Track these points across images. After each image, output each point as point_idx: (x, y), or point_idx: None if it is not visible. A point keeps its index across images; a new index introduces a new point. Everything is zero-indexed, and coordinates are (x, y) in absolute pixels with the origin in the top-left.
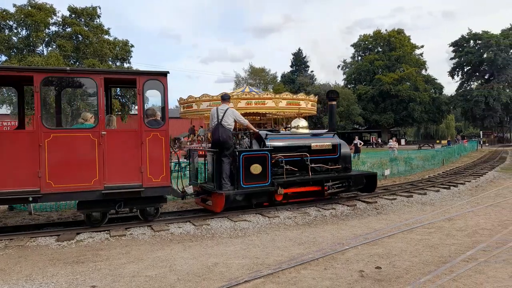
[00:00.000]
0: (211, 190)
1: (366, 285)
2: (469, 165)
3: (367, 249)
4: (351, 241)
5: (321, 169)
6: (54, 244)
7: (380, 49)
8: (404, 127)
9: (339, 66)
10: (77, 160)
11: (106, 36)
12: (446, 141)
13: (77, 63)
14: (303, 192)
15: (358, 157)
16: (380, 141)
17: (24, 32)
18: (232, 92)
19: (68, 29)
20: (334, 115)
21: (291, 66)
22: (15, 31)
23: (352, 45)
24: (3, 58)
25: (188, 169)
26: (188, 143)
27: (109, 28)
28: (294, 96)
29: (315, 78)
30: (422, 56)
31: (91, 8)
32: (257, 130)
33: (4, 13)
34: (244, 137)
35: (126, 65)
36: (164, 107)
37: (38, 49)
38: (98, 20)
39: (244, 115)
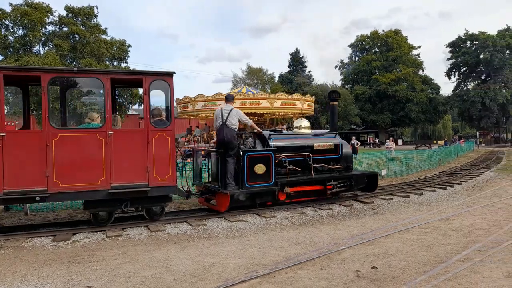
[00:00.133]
0: (215, 190)
1: (362, 285)
2: (465, 165)
3: (364, 249)
4: (347, 241)
5: (323, 168)
6: (50, 245)
7: (377, 50)
8: (401, 127)
9: (336, 67)
10: (84, 159)
11: (103, 36)
12: (443, 142)
13: (74, 62)
14: (305, 192)
15: (355, 158)
16: (377, 141)
17: (20, 32)
18: (229, 92)
19: (65, 29)
20: (335, 115)
21: (289, 66)
22: (11, 30)
23: (349, 46)
24: None
25: (184, 169)
26: (185, 143)
27: (106, 28)
28: (289, 96)
29: (313, 78)
30: (419, 57)
31: (88, 8)
32: (261, 130)
33: (0, 12)
34: (248, 137)
35: (123, 65)
36: (170, 107)
37: (34, 48)
38: (95, 20)
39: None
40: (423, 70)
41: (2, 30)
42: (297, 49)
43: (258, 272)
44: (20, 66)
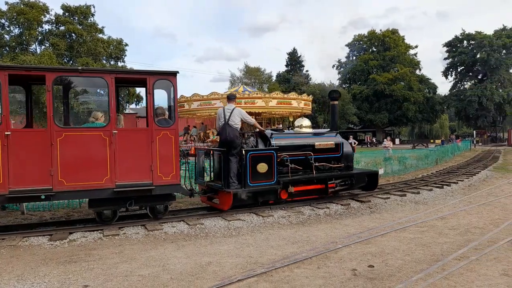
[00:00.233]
0: (218, 189)
1: (358, 284)
2: (462, 165)
3: (360, 248)
4: (344, 240)
5: (324, 167)
6: (46, 244)
7: (375, 49)
8: (398, 126)
9: (334, 66)
10: (89, 158)
11: (100, 35)
12: (440, 141)
13: (71, 61)
14: (308, 191)
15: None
16: (374, 140)
17: (16, 30)
18: (226, 92)
19: (62, 28)
20: (336, 115)
21: (286, 66)
22: (7, 29)
23: (346, 45)
24: None
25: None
26: (183, 143)
27: (103, 27)
28: (285, 96)
29: (310, 78)
30: (416, 56)
31: (84, 7)
32: (263, 129)
33: None
34: (250, 136)
35: (120, 64)
36: (173, 106)
37: (31, 47)
38: (92, 19)
39: None
40: (420, 70)
41: None
42: (294, 49)
43: (255, 271)
44: (25, 66)
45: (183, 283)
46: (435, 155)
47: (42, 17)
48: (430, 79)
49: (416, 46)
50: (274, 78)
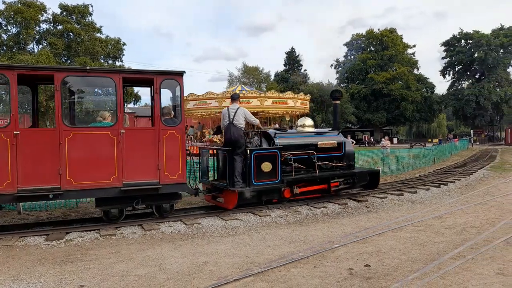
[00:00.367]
0: (223, 188)
1: (355, 283)
2: (459, 164)
3: (357, 247)
4: (341, 240)
5: (326, 166)
6: (43, 244)
7: (373, 49)
8: (396, 126)
9: (332, 65)
10: (97, 157)
11: (98, 34)
12: (437, 140)
13: (68, 61)
14: (311, 190)
15: None
16: (372, 140)
17: (14, 30)
18: (223, 92)
19: (59, 27)
20: (338, 114)
21: (285, 65)
22: (5, 28)
23: (345, 44)
24: None
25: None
26: None
27: (101, 26)
28: (281, 95)
29: (308, 77)
30: (414, 56)
31: (82, 6)
32: (265, 129)
33: None
34: (254, 135)
35: (118, 63)
36: (180, 106)
37: (28, 46)
38: (89, 18)
39: None
40: (418, 69)
41: None
42: (292, 48)
43: (252, 271)
44: (33, 65)
45: (179, 283)
46: (432, 154)
47: (40, 16)
48: (428, 78)
49: (414, 46)
50: (272, 77)
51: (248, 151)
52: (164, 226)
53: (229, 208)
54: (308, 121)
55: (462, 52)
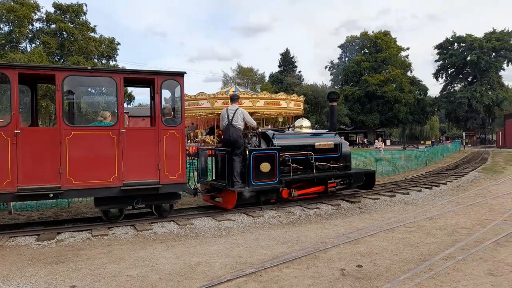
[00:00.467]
0: (222, 188)
1: (347, 283)
2: (451, 166)
3: (350, 248)
4: (334, 240)
5: (323, 167)
6: (34, 244)
7: (367, 51)
8: (389, 127)
9: (326, 67)
10: (97, 157)
11: (92, 34)
12: (430, 142)
13: (62, 60)
14: (309, 193)
15: None
16: (366, 141)
17: (6, 28)
18: (217, 93)
19: (53, 26)
20: (335, 115)
21: (279, 66)
22: None
23: (339, 46)
24: None
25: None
26: None
27: (95, 26)
28: (273, 96)
29: (303, 79)
30: (407, 58)
31: (76, 5)
32: (264, 130)
33: None
34: (253, 136)
35: (112, 63)
36: (180, 106)
37: (21, 45)
38: (83, 17)
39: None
40: (411, 72)
41: None
42: (287, 49)
43: (245, 271)
44: (35, 65)
45: (171, 283)
46: (425, 156)
47: (33, 14)
48: (421, 81)
49: (408, 48)
50: (267, 78)
51: (247, 151)
52: (157, 227)
53: (228, 208)
54: (306, 122)
55: (455, 55)
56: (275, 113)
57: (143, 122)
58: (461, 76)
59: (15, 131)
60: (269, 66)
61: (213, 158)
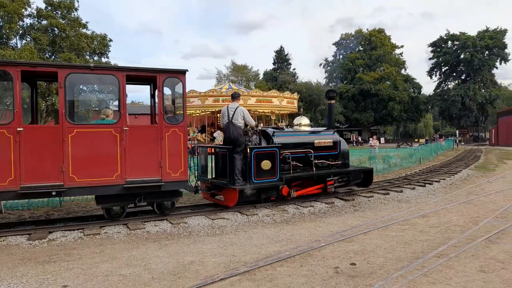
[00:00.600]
0: (223, 186)
1: (340, 281)
2: (444, 163)
3: (343, 246)
4: (327, 238)
5: (322, 164)
6: (25, 243)
7: (362, 48)
8: (383, 125)
9: (321, 65)
10: (100, 155)
11: (84, 30)
12: (424, 140)
13: (53, 56)
14: (308, 187)
15: None
16: (360, 139)
17: None
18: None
19: (44, 22)
20: (333, 113)
21: (274, 64)
22: None
23: (334, 44)
24: None
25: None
26: None
27: (87, 22)
28: (265, 93)
29: (297, 76)
30: (402, 56)
31: (68, 1)
32: (264, 128)
33: None
34: (253, 134)
35: (104, 59)
36: (182, 104)
37: (11, 41)
38: (75, 13)
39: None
40: (405, 69)
41: None
42: (281, 47)
43: (238, 270)
44: (37, 62)
45: (164, 283)
46: (418, 154)
47: (24, 10)
48: (415, 78)
49: (402, 46)
50: (261, 76)
51: (248, 149)
52: (150, 226)
53: (230, 206)
54: (305, 120)
55: (448, 53)
56: (267, 110)
57: (136, 120)
58: (454, 74)
59: (18, 129)
60: (264, 64)
61: (213, 156)
